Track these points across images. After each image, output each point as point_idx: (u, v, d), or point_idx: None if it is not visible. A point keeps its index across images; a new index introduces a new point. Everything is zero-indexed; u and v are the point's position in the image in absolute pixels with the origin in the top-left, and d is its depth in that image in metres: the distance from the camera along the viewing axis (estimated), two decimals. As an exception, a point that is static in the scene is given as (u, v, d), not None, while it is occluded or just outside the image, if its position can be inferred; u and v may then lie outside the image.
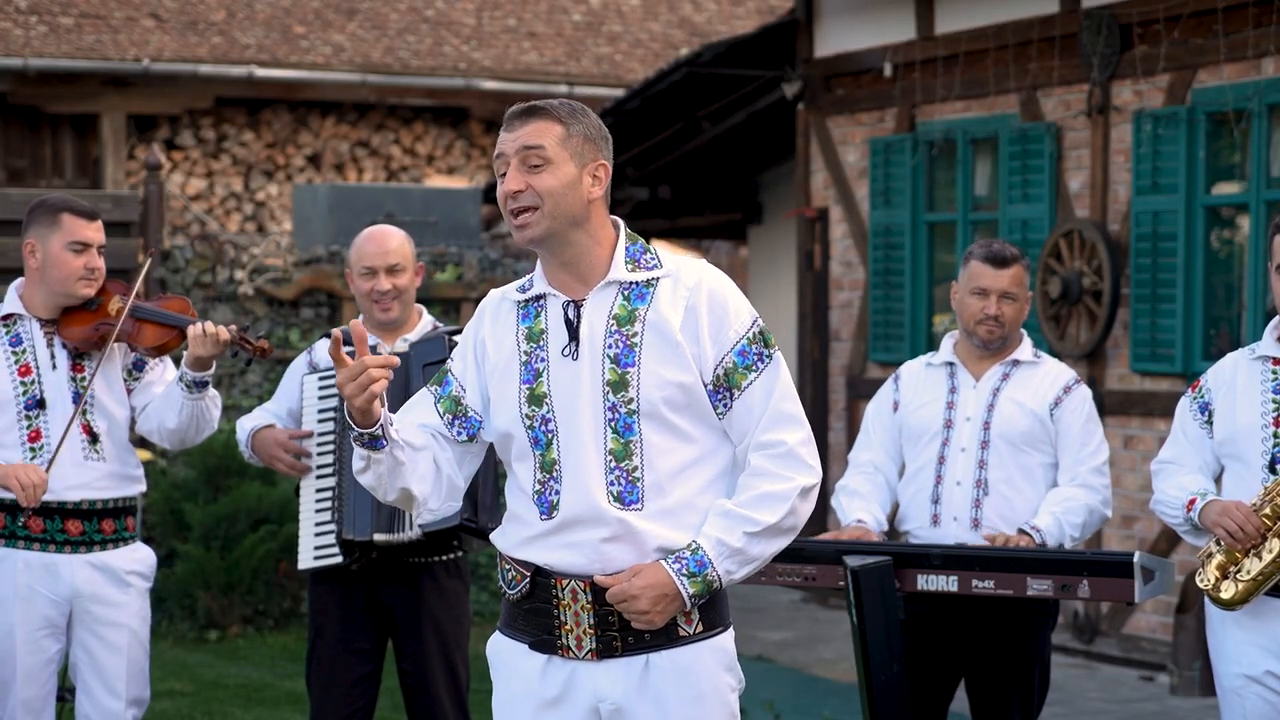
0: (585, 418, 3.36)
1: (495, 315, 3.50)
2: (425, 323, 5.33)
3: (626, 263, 3.43)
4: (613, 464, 3.36)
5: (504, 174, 3.39)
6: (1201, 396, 4.70)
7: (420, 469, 3.43)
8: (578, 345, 3.39)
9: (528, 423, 3.40)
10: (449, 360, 3.56)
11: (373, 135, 15.97)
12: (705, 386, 3.38)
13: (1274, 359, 4.57)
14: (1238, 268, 8.37)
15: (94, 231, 4.98)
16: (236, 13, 15.60)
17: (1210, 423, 4.66)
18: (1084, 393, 5.13)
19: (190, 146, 15.41)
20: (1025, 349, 5.17)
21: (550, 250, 3.41)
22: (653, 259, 3.45)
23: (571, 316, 3.41)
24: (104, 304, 5.02)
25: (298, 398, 5.29)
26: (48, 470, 4.85)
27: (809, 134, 10.62)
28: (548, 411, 3.39)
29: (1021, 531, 4.93)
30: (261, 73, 15.06)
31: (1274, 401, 4.52)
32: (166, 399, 5.04)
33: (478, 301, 10.20)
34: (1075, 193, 8.99)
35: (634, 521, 3.35)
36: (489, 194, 13.16)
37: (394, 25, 16.05)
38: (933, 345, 9.77)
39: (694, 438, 3.40)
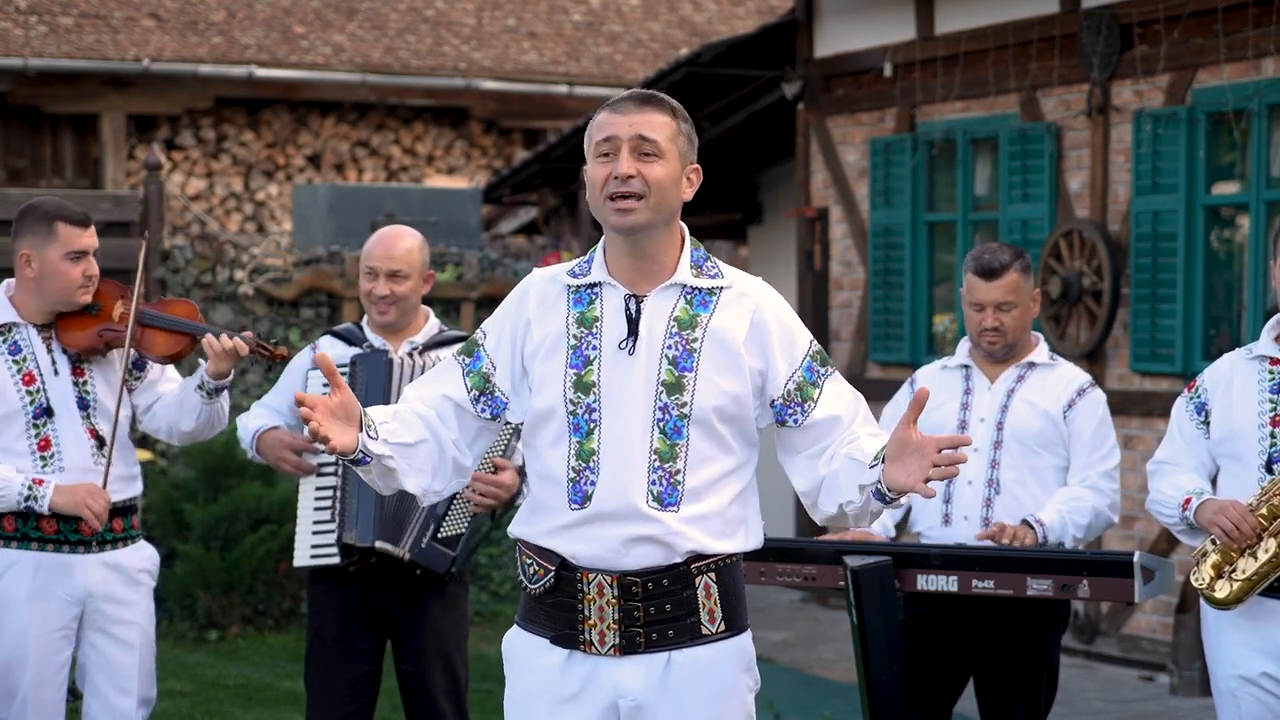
0: (635, 414, 3.37)
1: (543, 296, 3.49)
2: (431, 326, 5.31)
3: (691, 268, 3.45)
4: (656, 464, 3.37)
5: (606, 154, 3.39)
6: (1198, 397, 4.70)
7: (417, 464, 3.45)
8: (636, 340, 3.40)
9: (571, 408, 3.39)
10: (480, 333, 3.55)
11: (373, 135, 15.97)
12: (774, 401, 3.43)
13: (1271, 359, 4.57)
14: (1238, 268, 8.37)
15: (89, 238, 4.90)
16: (236, 13, 15.61)
17: (1207, 423, 4.66)
18: (1098, 396, 5.13)
19: (190, 146, 15.41)
20: (1041, 352, 5.17)
21: (637, 241, 3.41)
22: (714, 268, 3.48)
23: (632, 310, 3.42)
24: (105, 308, 4.95)
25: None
26: (104, 485, 4.85)
27: (809, 134, 10.61)
28: (594, 401, 3.38)
29: (1024, 522, 4.93)
30: (261, 73, 15.07)
31: (1271, 401, 4.53)
32: (181, 404, 5.02)
33: (478, 302, 10.30)
34: (1075, 193, 8.99)
35: (670, 523, 3.36)
36: (489, 194, 13.17)
37: (394, 25, 16.05)
38: (932, 345, 9.79)
39: (733, 449, 3.43)
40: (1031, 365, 5.15)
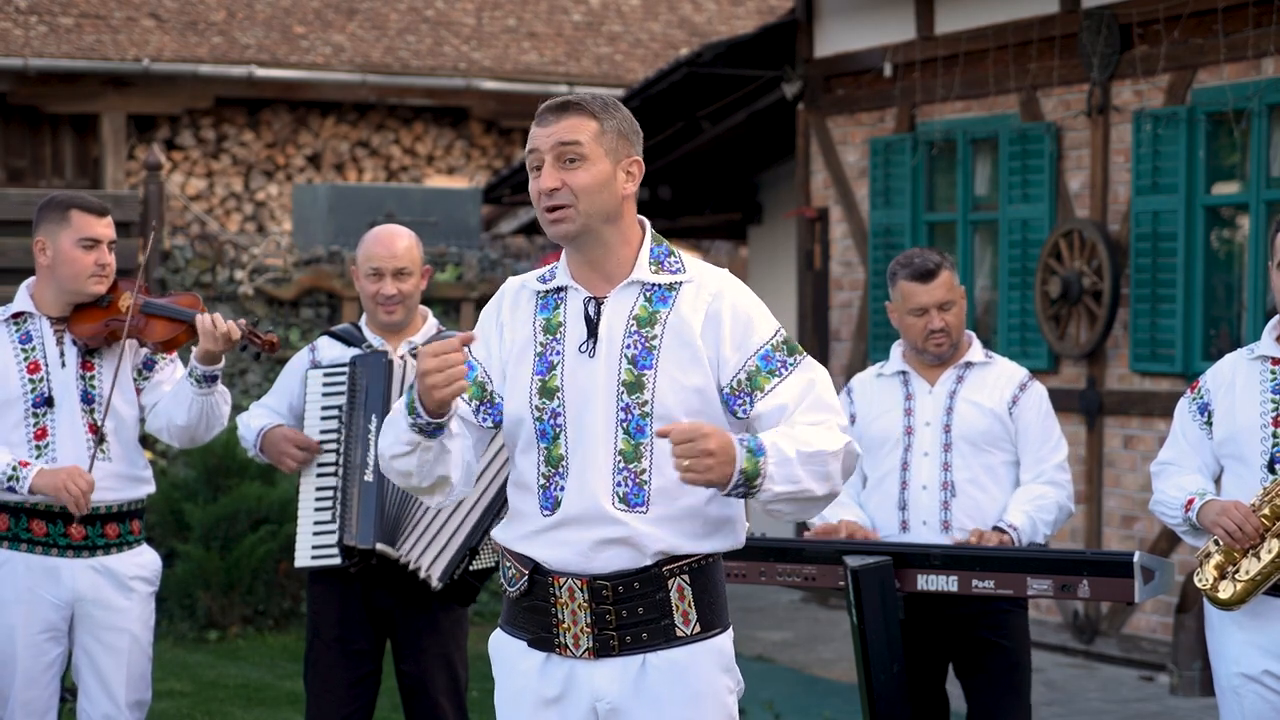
0: (597, 416, 3.35)
1: (515, 301, 3.48)
2: (430, 326, 5.32)
3: (651, 264, 3.42)
4: (621, 465, 3.35)
5: (538, 168, 3.37)
6: (1201, 398, 4.70)
7: (456, 455, 3.40)
8: (595, 343, 3.38)
9: (537, 414, 3.38)
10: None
11: (373, 135, 15.97)
12: (722, 390, 3.38)
13: (1273, 359, 4.57)
14: (1238, 268, 8.37)
15: (104, 227, 4.95)
16: (236, 13, 15.61)
17: (1210, 424, 4.67)
18: (1039, 390, 5.17)
19: (190, 146, 15.41)
20: (975, 350, 5.20)
21: (580, 246, 3.40)
22: (676, 262, 3.44)
23: (591, 313, 3.40)
24: (115, 300, 5.00)
25: (299, 394, 5.27)
26: (90, 469, 4.84)
27: (809, 134, 10.61)
28: (558, 406, 3.37)
29: (997, 529, 4.94)
30: (261, 73, 15.07)
31: (1273, 401, 4.53)
32: (175, 395, 5.02)
33: (478, 301, 10.30)
34: (1075, 193, 8.99)
35: (636, 524, 3.34)
36: (489, 194, 13.17)
37: (394, 25, 16.05)
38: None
39: None
40: (969, 365, 5.18)
